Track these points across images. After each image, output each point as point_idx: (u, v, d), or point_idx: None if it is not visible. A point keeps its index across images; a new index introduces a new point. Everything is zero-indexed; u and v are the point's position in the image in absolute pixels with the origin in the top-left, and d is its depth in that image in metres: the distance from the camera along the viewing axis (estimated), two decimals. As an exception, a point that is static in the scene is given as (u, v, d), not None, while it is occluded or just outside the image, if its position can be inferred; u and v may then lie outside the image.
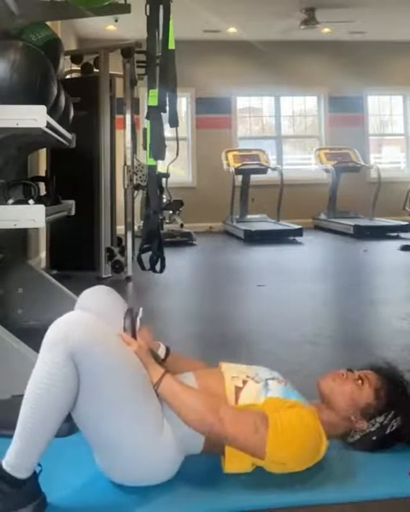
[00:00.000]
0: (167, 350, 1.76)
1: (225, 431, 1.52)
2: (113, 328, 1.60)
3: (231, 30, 8.92)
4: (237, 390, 1.64)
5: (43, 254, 5.35)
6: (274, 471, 1.57)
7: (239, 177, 8.88)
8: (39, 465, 1.46)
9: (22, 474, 1.43)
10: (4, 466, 1.43)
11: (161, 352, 1.74)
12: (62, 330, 1.43)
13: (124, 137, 5.34)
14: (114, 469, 1.56)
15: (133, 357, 1.55)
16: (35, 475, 1.45)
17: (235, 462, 1.58)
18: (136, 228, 6.13)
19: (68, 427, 1.87)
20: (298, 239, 7.90)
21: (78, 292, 1.91)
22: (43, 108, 2.25)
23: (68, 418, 1.86)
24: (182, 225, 7.83)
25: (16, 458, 1.43)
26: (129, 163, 5.30)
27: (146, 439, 1.51)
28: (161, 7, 2.17)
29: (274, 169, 8.73)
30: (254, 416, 1.55)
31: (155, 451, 1.52)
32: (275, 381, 1.68)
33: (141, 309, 1.68)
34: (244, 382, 1.65)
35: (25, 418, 1.43)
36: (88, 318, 1.52)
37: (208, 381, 1.67)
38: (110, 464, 1.55)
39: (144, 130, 4.22)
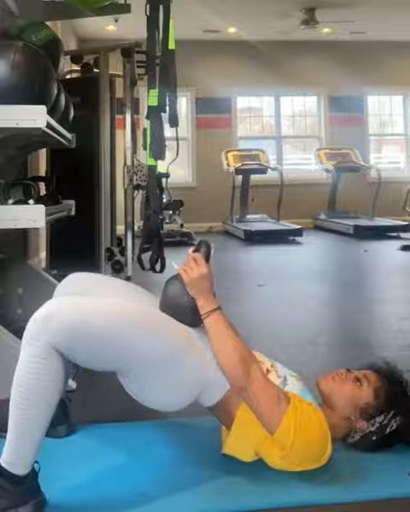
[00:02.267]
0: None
1: (249, 387, 1.53)
2: (93, 295, 1.64)
3: (231, 30, 8.92)
4: None
5: (43, 254, 5.34)
6: (272, 461, 1.57)
7: (239, 177, 8.88)
8: (37, 462, 1.46)
9: (20, 470, 1.43)
10: (2, 464, 1.43)
11: None
12: (40, 323, 1.44)
13: (124, 137, 5.34)
14: (136, 386, 1.55)
15: (129, 306, 1.58)
16: (34, 473, 1.46)
17: (237, 444, 1.59)
18: (136, 228, 6.12)
19: (68, 427, 1.88)
20: (298, 239, 7.89)
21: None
22: (43, 108, 2.24)
23: (67, 419, 1.87)
24: (182, 225, 7.83)
25: (12, 455, 1.43)
26: (129, 163, 5.30)
27: (170, 356, 1.51)
28: (161, 7, 2.17)
29: (274, 169, 8.73)
30: (280, 391, 1.57)
31: (180, 367, 1.52)
32: (294, 378, 1.69)
33: (213, 245, 1.70)
34: (268, 371, 1.66)
35: (15, 413, 1.43)
36: (63, 303, 1.51)
37: None
38: (133, 380, 1.54)
39: (144, 130, 4.23)
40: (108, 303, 1.59)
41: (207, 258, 1.65)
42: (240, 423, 1.58)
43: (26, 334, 1.46)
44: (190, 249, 1.70)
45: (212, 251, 1.68)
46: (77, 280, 1.86)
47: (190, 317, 1.61)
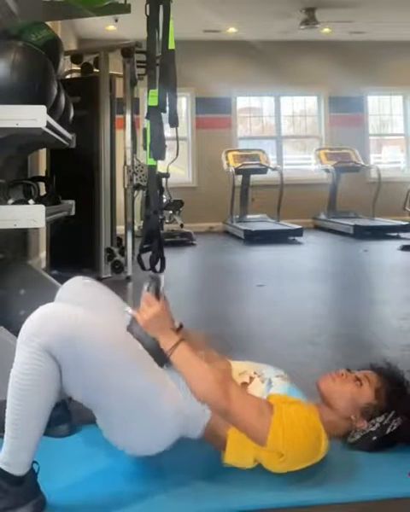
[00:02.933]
0: (180, 326, 1.75)
1: (230, 407, 1.53)
2: (93, 311, 1.62)
3: (231, 30, 8.92)
4: (243, 386, 1.65)
5: (43, 254, 5.35)
6: (273, 468, 1.57)
7: (239, 177, 8.88)
8: (36, 463, 1.46)
9: (19, 470, 1.43)
10: (0, 464, 1.43)
11: (176, 326, 1.74)
12: (37, 324, 1.44)
13: (124, 137, 5.34)
14: (115, 432, 1.55)
15: (119, 333, 1.57)
16: (34, 474, 1.46)
17: (236, 454, 1.58)
18: (136, 228, 6.13)
19: (68, 427, 1.88)
20: (298, 239, 7.89)
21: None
22: (43, 108, 2.25)
23: (67, 419, 1.87)
24: (182, 225, 7.83)
25: (10, 455, 1.43)
26: (129, 163, 5.30)
27: (148, 399, 1.51)
28: (161, 7, 2.17)
29: (274, 169, 8.73)
30: (260, 401, 1.58)
31: (158, 412, 1.52)
32: (279, 379, 1.69)
33: (163, 277, 1.70)
34: (251, 379, 1.66)
35: (11, 414, 1.43)
36: (62, 308, 1.52)
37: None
38: (112, 425, 1.55)
39: (144, 130, 4.23)
40: (105, 324, 1.57)
41: (157, 295, 1.65)
42: (234, 440, 1.58)
43: (21, 334, 1.46)
44: (144, 287, 1.69)
45: (161, 285, 1.67)
46: (79, 287, 1.86)
47: (158, 356, 1.61)
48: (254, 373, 1.69)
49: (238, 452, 1.58)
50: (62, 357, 1.43)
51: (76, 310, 1.55)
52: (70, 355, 1.43)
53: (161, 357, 1.60)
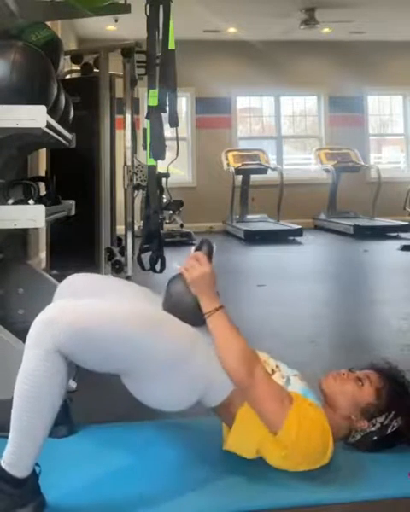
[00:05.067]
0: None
1: (253, 386, 1.52)
2: (98, 299, 1.62)
3: (231, 30, 8.92)
4: None
5: (43, 254, 5.34)
6: (273, 460, 1.57)
7: (239, 177, 8.87)
8: (38, 465, 1.46)
9: (22, 472, 1.43)
10: (3, 466, 1.43)
11: None
12: (45, 325, 1.44)
13: (124, 137, 5.33)
14: (139, 386, 1.55)
15: (131, 307, 1.57)
16: (35, 475, 1.46)
17: (239, 441, 1.58)
18: (136, 228, 6.12)
19: (68, 427, 1.88)
20: (298, 239, 7.89)
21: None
22: (43, 108, 2.24)
23: (67, 419, 1.86)
24: (182, 225, 7.83)
25: (14, 457, 1.43)
26: (129, 163, 5.30)
27: (175, 359, 1.51)
28: (161, 7, 2.17)
29: (274, 169, 8.73)
30: (283, 390, 1.57)
31: (182, 371, 1.52)
32: (297, 378, 1.69)
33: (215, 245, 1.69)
34: (273, 372, 1.66)
35: (18, 416, 1.43)
36: (66, 305, 1.52)
37: None
38: (137, 381, 1.54)
39: (144, 130, 4.22)
40: (111, 305, 1.58)
41: (209, 257, 1.64)
42: (242, 420, 1.57)
43: (29, 336, 1.46)
44: (192, 248, 1.69)
45: (214, 250, 1.67)
46: (77, 281, 1.86)
47: (194, 316, 1.60)
48: (277, 366, 1.68)
49: (242, 437, 1.58)
50: (76, 351, 1.43)
51: (78, 302, 1.55)
52: (83, 347, 1.43)
53: (199, 318, 1.59)
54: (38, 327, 1.45)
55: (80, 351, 1.44)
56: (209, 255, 1.65)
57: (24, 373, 1.43)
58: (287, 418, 1.52)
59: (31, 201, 2.35)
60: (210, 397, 1.58)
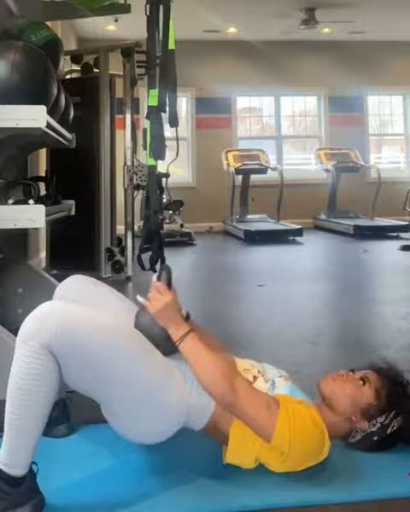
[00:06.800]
0: (188, 315, 1.75)
1: (237, 400, 1.53)
2: (92, 309, 1.63)
3: (231, 30, 8.92)
4: None
5: (43, 254, 5.35)
6: (275, 467, 1.57)
7: (239, 177, 8.88)
8: (35, 464, 1.46)
9: (18, 471, 1.43)
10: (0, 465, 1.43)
11: (183, 315, 1.74)
12: (36, 322, 1.44)
13: (124, 137, 5.34)
14: (119, 419, 1.55)
15: (118, 325, 1.57)
16: (33, 474, 1.46)
17: (237, 453, 1.58)
18: (136, 228, 6.13)
19: (67, 427, 1.88)
20: (298, 239, 7.89)
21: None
22: (43, 108, 2.25)
23: (67, 419, 1.87)
24: (182, 225, 7.83)
25: (9, 456, 1.43)
26: (129, 163, 5.30)
27: (152, 391, 1.51)
28: (161, 7, 2.17)
29: (274, 169, 8.73)
30: (267, 396, 1.58)
31: (162, 403, 1.52)
32: (282, 379, 1.69)
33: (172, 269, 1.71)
34: (255, 378, 1.66)
35: (10, 414, 1.43)
36: (61, 306, 1.54)
37: None
38: (116, 414, 1.55)
39: (144, 130, 4.23)
40: (105, 318, 1.59)
41: (168, 284, 1.66)
42: (235, 436, 1.58)
43: (20, 333, 1.46)
44: (154, 276, 1.70)
45: (172, 275, 1.68)
46: (76, 284, 1.86)
47: (165, 345, 1.61)
48: (258, 372, 1.69)
49: (240, 451, 1.58)
50: (62, 354, 1.43)
51: (73, 306, 1.56)
52: (70, 351, 1.43)
53: (170, 347, 1.60)
54: (30, 323, 1.45)
55: (68, 351, 1.43)
56: (168, 282, 1.67)
57: (16, 369, 1.43)
58: (277, 424, 1.52)
59: (31, 201, 2.36)
60: (194, 421, 1.58)
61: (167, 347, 1.61)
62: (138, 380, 1.51)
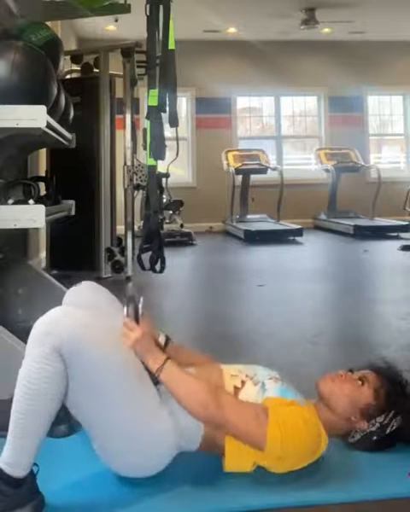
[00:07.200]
0: (167, 339, 1.77)
1: (225, 418, 1.53)
2: (100, 320, 1.62)
3: (231, 30, 8.92)
4: (236, 391, 1.64)
5: (43, 254, 5.35)
6: (275, 469, 1.57)
7: (239, 177, 8.87)
8: (36, 465, 1.46)
9: (20, 472, 1.43)
10: (1, 465, 1.43)
11: (161, 341, 1.75)
12: (47, 325, 1.45)
13: (124, 137, 5.34)
14: (109, 454, 1.56)
15: (122, 346, 1.56)
16: (33, 475, 1.46)
17: (235, 461, 1.58)
18: (136, 228, 6.12)
19: (68, 427, 1.88)
20: (298, 239, 7.89)
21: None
22: (43, 108, 2.25)
23: (67, 419, 1.87)
24: (182, 225, 7.83)
25: (12, 456, 1.43)
26: (129, 163, 5.30)
27: (141, 422, 1.52)
28: (161, 7, 2.17)
29: (274, 169, 8.73)
30: (255, 407, 1.57)
31: (151, 436, 1.53)
32: (272, 381, 1.68)
33: (141, 297, 1.69)
34: (243, 383, 1.65)
35: (17, 415, 1.43)
36: (73, 312, 1.54)
37: (207, 378, 1.67)
38: (106, 448, 1.55)
39: (144, 130, 4.22)
40: (111, 331, 1.59)
41: (136, 318, 1.64)
42: (232, 448, 1.58)
43: (32, 335, 1.46)
44: (124, 309, 1.67)
45: (140, 305, 1.65)
46: (86, 292, 1.86)
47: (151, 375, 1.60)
48: (246, 376, 1.68)
49: (237, 460, 1.58)
50: (70, 358, 1.43)
51: (83, 312, 1.56)
52: (80, 355, 1.43)
53: (151, 379, 1.59)
54: (40, 327, 1.46)
55: (76, 357, 1.43)
56: (136, 316, 1.64)
57: (26, 370, 1.43)
58: (268, 433, 1.52)
59: (31, 201, 2.36)
60: (187, 444, 1.58)
61: (151, 379, 1.60)
62: (136, 407, 1.51)
